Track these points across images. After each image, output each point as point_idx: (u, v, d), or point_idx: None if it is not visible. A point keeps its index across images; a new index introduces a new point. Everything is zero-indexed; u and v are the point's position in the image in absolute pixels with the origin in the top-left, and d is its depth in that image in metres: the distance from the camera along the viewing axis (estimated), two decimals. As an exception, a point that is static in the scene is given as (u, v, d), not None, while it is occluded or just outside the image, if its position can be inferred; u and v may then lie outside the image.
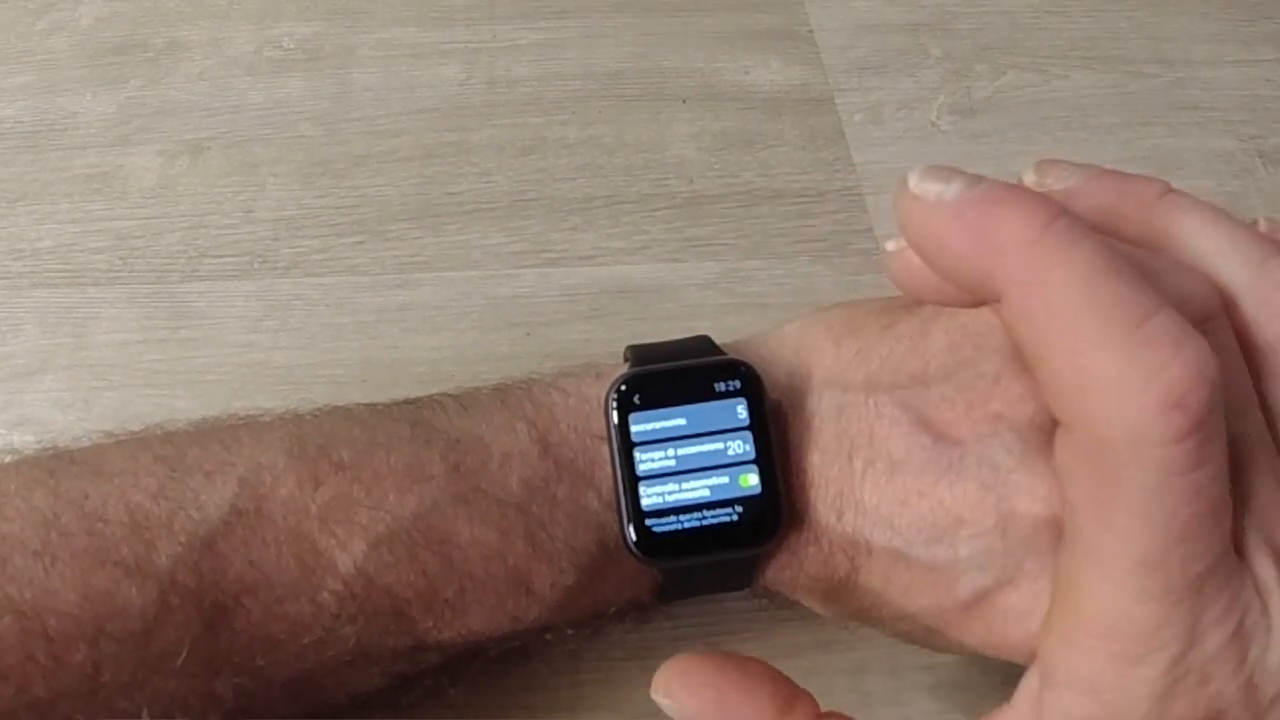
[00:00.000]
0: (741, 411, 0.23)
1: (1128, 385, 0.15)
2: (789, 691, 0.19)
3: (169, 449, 0.23)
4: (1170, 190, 0.20)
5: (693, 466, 0.23)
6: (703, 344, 0.25)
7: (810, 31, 0.46)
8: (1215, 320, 0.18)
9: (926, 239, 0.18)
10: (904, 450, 0.22)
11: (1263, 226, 0.21)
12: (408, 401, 0.25)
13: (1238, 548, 0.17)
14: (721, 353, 0.25)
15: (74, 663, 0.20)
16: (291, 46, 0.44)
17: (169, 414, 0.25)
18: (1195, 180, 0.40)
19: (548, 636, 0.24)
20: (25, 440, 0.32)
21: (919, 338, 0.23)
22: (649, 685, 0.27)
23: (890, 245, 0.20)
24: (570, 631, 0.24)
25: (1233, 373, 0.17)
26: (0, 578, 0.20)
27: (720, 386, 0.23)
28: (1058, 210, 0.16)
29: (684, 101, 0.42)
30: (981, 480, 0.21)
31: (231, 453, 0.22)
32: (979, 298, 0.18)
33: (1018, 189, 0.17)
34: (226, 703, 0.21)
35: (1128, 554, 0.16)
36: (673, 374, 0.24)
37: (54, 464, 0.22)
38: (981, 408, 0.22)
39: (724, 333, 0.26)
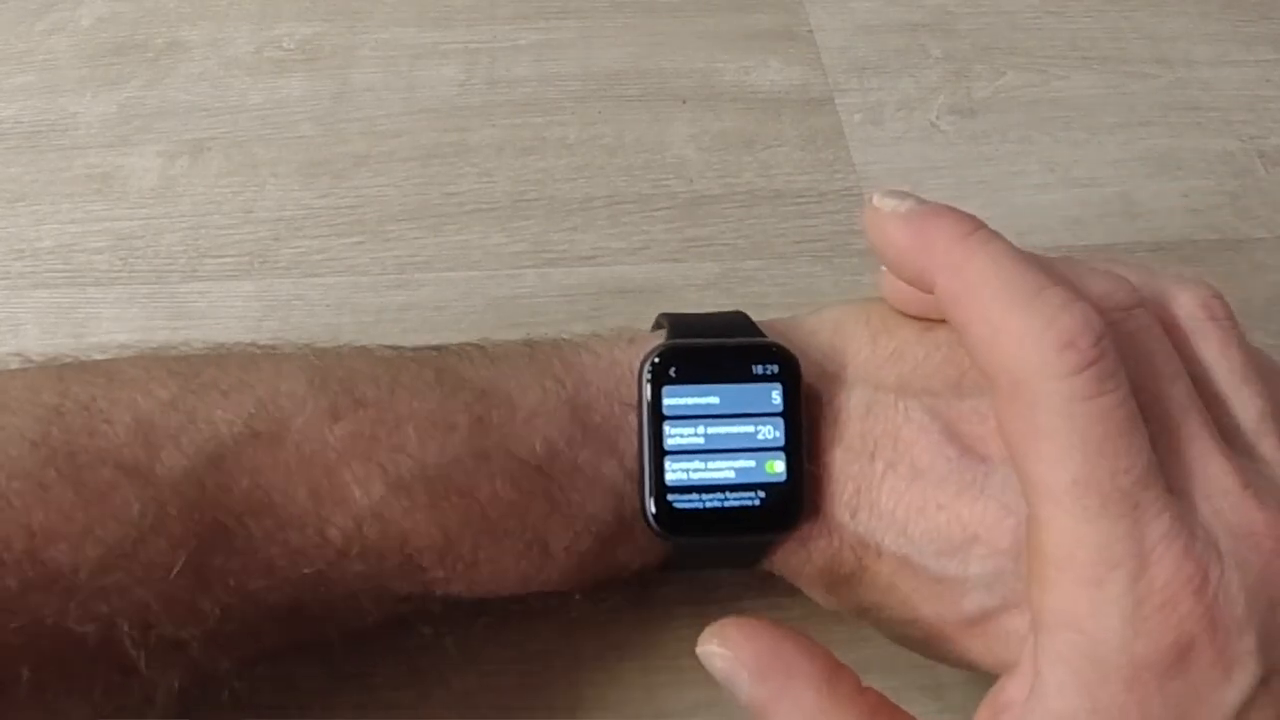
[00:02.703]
0: (776, 397, 0.23)
1: (1029, 333, 0.19)
2: (834, 662, 0.20)
3: (184, 365, 0.22)
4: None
5: (721, 447, 0.23)
6: (740, 320, 0.25)
7: (810, 31, 0.46)
8: (1139, 308, 0.21)
9: (882, 240, 0.22)
10: (928, 459, 0.22)
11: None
12: (433, 348, 0.24)
13: (1178, 492, 0.19)
14: (759, 332, 0.24)
15: (50, 558, 0.19)
16: (291, 46, 0.44)
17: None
18: (1195, 180, 0.40)
19: (553, 603, 0.24)
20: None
21: (957, 346, 0.23)
22: (649, 686, 0.27)
23: (875, 199, 0.23)
24: (577, 597, 0.24)
25: (1155, 345, 0.21)
26: None
27: (758, 369, 0.23)
28: (978, 223, 0.21)
29: (684, 101, 0.42)
30: (1004, 502, 0.21)
31: (249, 374, 0.22)
32: (921, 287, 0.22)
33: (952, 208, 0.22)
34: (210, 620, 0.21)
35: (1061, 477, 0.19)
36: (711, 351, 0.23)
37: (64, 369, 0.22)
38: None
39: (724, 333, 0.26)
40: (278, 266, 0.36)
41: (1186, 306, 0.22)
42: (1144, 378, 0.20)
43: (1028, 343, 0.19)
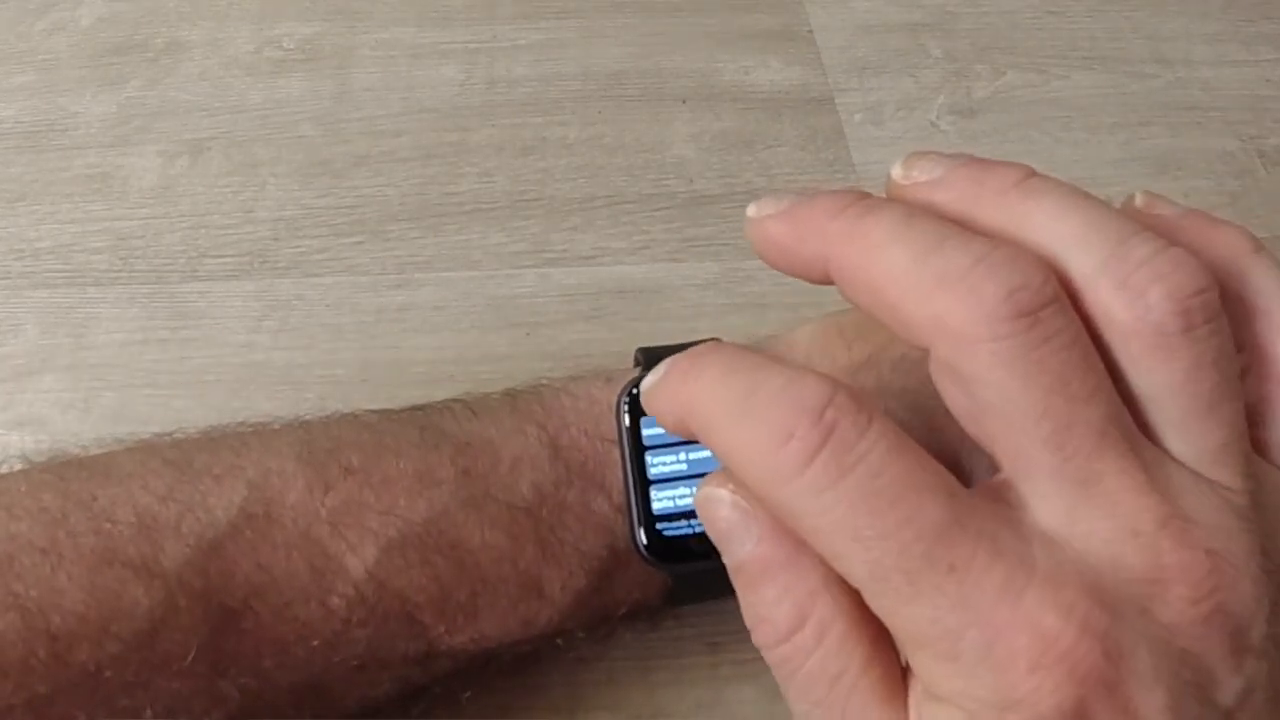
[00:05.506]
0: None
1: (752, 446, 0.16)
2: None
3: (177, 454, 0.23)
4: (1032, 175, 0.19)
5: (704, 470, 0.23)
6: None
7: (810, 31, 0.46)
8: (1051, 307, 0.17)
9: (766, 246, 0.19)
10: None
11: (1139, 201, 0.21)
12: (416, 407, 0.25)
13: (1069, 534, 0.17)
14: None
15: (76, 661, 0.20)
16: (291, 46, 0.44)
17: (169, 414, 0.25)
18: (1195, 180, 0.40)
19: (559, 642, 0.24)
20: (25, 440, 0.32)
21: None
22: (649, 685, 0.27)
23: (751, 210, 0.20)
24: (581, 636, 0.24)
25: (1068, 356, 0.17)
26: (7, 575, 0.20)
27: None
28: (855, 197, 0.18)
29: (684, 101, 0.42)
30: None
31: (240, 457, 0.22)
32: (822, 280, 0.19)
33: (830, 193, 0.19)
34: (231, 703, 0.21)
35: (857, 574, 0.16)
36: None
37: (63, 468, 0.22)
38: None
39: (724, 333, 0.26)
40: (278, 266, 0.36)
41: (1157, 311, 0.17)
42: (1050, 397, 0.16)
43: (756, 455, 0.16)
